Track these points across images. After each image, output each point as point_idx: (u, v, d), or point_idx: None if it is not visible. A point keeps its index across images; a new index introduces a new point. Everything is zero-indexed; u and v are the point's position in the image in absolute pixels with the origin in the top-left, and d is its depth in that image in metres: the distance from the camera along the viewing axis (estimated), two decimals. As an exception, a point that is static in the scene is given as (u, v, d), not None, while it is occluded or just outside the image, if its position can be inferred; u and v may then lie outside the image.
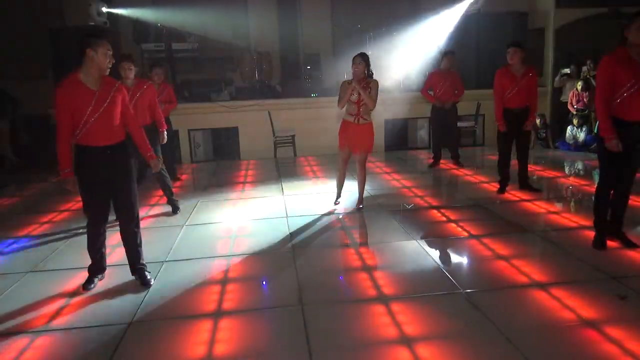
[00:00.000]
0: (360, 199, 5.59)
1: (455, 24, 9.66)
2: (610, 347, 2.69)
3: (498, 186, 6.10)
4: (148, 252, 4.03)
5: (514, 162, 6.02)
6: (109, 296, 3.61)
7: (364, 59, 5.06)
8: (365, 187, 5.66)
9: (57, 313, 3.35)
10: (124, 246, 3.81)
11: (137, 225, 3.79)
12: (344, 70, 10.21)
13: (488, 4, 9.41)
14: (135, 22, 10.52)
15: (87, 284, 3.70)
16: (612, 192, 4.09)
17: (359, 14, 10.98)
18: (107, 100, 3.43)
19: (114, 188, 3.62)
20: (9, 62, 9.55)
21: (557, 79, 9.61)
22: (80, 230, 4.87)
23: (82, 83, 3.38)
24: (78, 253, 4.25)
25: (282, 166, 8.60)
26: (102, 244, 3.78)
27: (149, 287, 3.69)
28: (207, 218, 5.50)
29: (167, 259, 4.27)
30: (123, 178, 3.62)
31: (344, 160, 5.51)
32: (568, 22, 9.70)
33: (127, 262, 3.83)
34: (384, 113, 9.35)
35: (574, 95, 9.00)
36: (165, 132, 5.67)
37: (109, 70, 3.48)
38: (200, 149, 9.63)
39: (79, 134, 3.43)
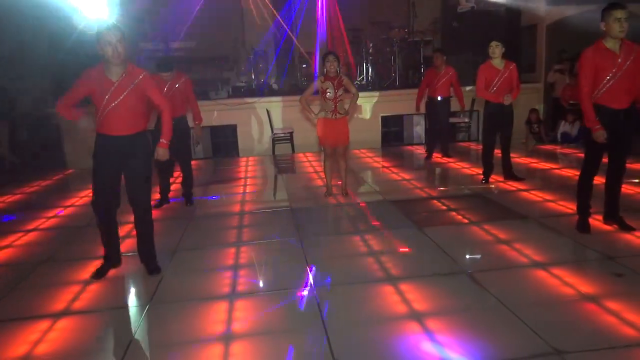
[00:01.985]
0: (344, 187, 5.88)
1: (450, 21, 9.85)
2: (610, 318, 2.84)
3: (482, 177, 6.31)
4: (161, 242, 4.13)
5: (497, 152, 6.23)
6: (126, 282, 3.72)
7: (336, 57, 5.40)
8: (367, 179, 5.80)
9: (76, 298, 3.45)
10: (137, 235, 3.89)
11: (149, 215, 3.85)
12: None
13: (482, 1, 9.60)
14: (132, 21, 10.62)
15: (96, 274, 3.76)
16: (605, 179, 4.27)
17: (353, 15, 11.16)
18: (126, 91, 3.49)
19: (126, 177, 3.68)
20: (6, 60, 9.58)
21: (550, 74, 9.81)
22: (86, 224, 4.96)
23: (104, 73, 3.48)
24: (89, 244, 4.35)
25: (280, 162, 8.73)
26: (113, 234, 3.83)
27: (159, 273, 3.78)
28: (214, 211, 5.62)
29: (178, 248, 4.38)
30: (137, 168, 3.67)
31: (330, 155, 5.78)
32: (559, 19, 9.91)
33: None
34: (380, 110, 9.51)
35: (565, 90, 9.19)
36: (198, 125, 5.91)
37: (116, 58, 3.39)
38: (199, 147, 9.71)
39: (98, 123, 3.54)
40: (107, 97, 3.46)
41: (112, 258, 3.86)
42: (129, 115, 3.56)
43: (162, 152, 3.78)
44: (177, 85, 5.45)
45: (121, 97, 3.49)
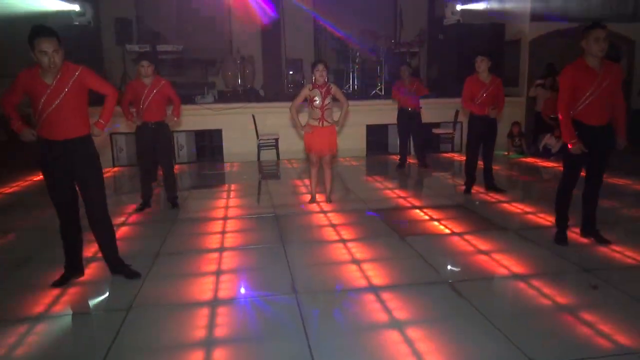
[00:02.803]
0: (329, 194, 5.97)
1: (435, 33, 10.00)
2: (585, 329, 2.91)
3: (464, 187, 6.41)
4: (143, 245, 4.11)
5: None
6: (106, 286, 3.69)
7: (326, 66, 5.48)
8: (351, 187, 5.84)
9: (55, 301, 3.42)
10: (97, 243, 3.78)
11: (107, 220, 3.75)
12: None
13: (467, 15, 9.77)
14: (118, 23, 10.59)
15: (57, 282, 3.63)
16: (582, 193, 4.37)
17: (340, 24, 11.25)
18: (63, 93, 3.34)
19: (77, 182, 3.57)
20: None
21: (532, 88, 10.00)
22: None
23: (39, 75, 3.33)
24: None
25: (265, 168, 8.74)
26: (75, 242, 3.70)
27: (140, 277, 3.75)
28: (197, 215, 5.61)
29: (160, 252, 4.36)
30: (86, 171, 3.55)
31: (316, 162, 5.83)
32: (542, 35, 10.14)
33: (120, 254, 3.87)
34: (366, 119, 9.59)
35: (546, 105, 9.37)
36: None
37: (53, 68, 3.28)
38: (183, 151, 9.68)
39: (38, 127, 3.41)
40: (42, 100, 3.31)
41: (73, 268, 3.73)
42: (70, 118, 3.40)
43: (96, 131, 3.59)
44: (155, 90, 5.49)
45: (58, 100, 3.33)
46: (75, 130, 3.45)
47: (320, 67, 5.43)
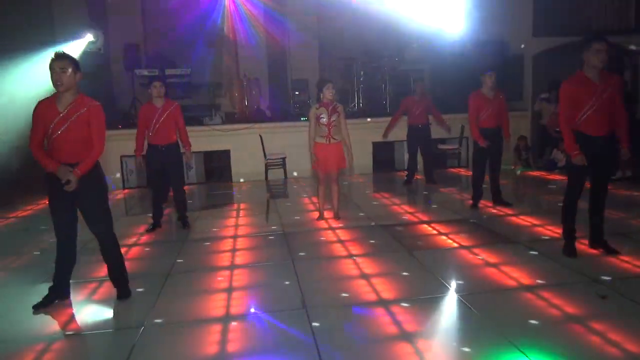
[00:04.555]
0: (337, 211, 6.01)
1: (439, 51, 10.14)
2: (595, 338, 2.93)
3: (471, 202, 6.43)
4: (155, 264, 4.18)
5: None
6: (120, 304, 3.74)
7: (334, 85, 5.62)
8: (358, 204, 5.90)
9: (71, 320, 3.49)
10: (105, 262, 3.85)
11: (113, 243, 3.83)
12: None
13: (471, 32, 9.91)
14: (127, 48, 10.81)
15: (40, 304, 3.64)
16: (589, 204, 4.40)
17: (345, 42, 11.45)
18: (68, 122, 3.48)
19: (81, 208, 3.66)
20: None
21: (536, 103, 10.07)
22: (83, 246, 4.99)
23: (54, 103, 3.52)
24: (84, 266, 4.38)
25: (273, 187, 8.82)
26: (64, 264, 3.74)
27: (128, 297, 3.80)
28: (207, 234, 5.68)
29: (172, 272, 4.42)
30: (90, 198, 3.64)
31: (323, 180, 5.90)
32: (544, 50, 10.23)
33: (132, 273, 3.94)
34: (372, 136, 9.69)
35: (552, 119, 9.42)
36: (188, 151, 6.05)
37: (59, 86, 3.45)
38: (192, 172, 9.80)
39: (47, 151, 3.55)
40: (51, 126, 3.47)
41: (58, 290, 3.75)
42: (75, 145, 3.53)
43: (74, 180, 3.46)
44: (166, 113, 5.63)
45: (64, 127, 3.48)
46: (78, 155, 3.54)
47: (330, 85, 5.58)
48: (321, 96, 5.64)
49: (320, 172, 5.85)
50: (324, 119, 5.58)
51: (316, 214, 6.14)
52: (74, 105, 3.53)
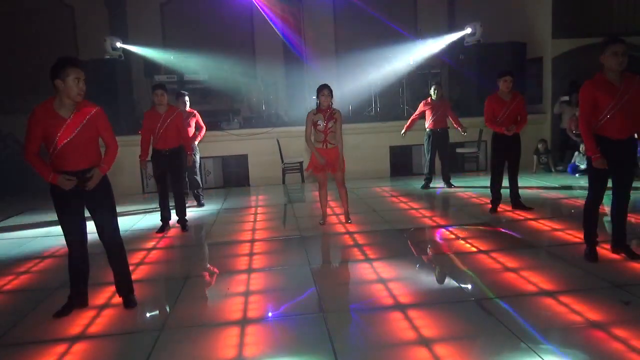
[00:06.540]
0: (347, 214, 6.05)
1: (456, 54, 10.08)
2: (617, 345, 2.87)
3: (490, 206, 6.36)
4: (173, 268, 4.22)
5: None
6: (139, 307, 3.79)
7: (330, 91, 5.60)
8: (376, 208, 5.89)
9: (91, 322, 3.53)
10: (112, 269, 3.85)
11: (120, 249, 3.83)
12: (348, 100, 10.61)
13: (488, 35, 9.83)
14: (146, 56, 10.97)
15: (58, 313, 3.64)
16: (611, 208, 4.33)
17: (361, 47, 11.44)
18: (79, 127, 3.44)
19: (90, 211, 3.66)
20: (16, 95, 9.89)
21: (556, 105, 9.93)
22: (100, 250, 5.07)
23: (55, 111, 3.41)
24: (102, 269, 4.43)
25: (291, 191, 8.85)
26: (79, 272, 3.76)
27: (134, 307, 3.77)
28: (225, 238, 5.72)
29: (190, 274, 4.46)
30: (99, 201, 3.65)
31: (323, 184, 5.97)
32: (564, 52, 10.09)
33: (150, 277, 4.00)
34: (389, 140, 9.67)
35: (572, 121, 9.28)
36: (192, 155, 6.35)
37: (80, 96, 3.41)
38: (210, 176, 9.89)
39: (51, 160, 3.49)
40: (59, 134, 3.39)
41: (77, 299, 3.76)
42: (84, 150, 3.51)
43: (97, 172, 3.55)
44: (169, 120, 5.82)
45: (75, 133, 3.43)
46: (88, 161, 3.55)
47: (326, 92, 5.58)
48: (317, 102, 5.65)
49: (319, 176, 5.90)
50: (321, 125, 5.61)
51: (333, 219, 6.14)
52: (80, 110, 3.47)
